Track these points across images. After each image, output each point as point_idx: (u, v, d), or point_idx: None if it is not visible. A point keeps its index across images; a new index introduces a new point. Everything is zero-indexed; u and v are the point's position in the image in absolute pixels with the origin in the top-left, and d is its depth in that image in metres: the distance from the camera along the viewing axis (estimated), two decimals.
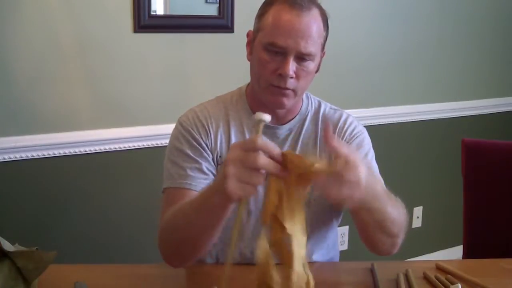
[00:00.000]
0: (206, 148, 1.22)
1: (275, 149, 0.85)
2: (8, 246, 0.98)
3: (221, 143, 1.23)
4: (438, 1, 2.52)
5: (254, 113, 1.25)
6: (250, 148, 0.84)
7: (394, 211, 1.07)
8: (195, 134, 1.22)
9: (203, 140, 1.22)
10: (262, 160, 0.84)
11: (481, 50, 2.72)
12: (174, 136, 1.25)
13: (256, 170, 0.84)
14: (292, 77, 1.14)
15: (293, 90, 1.17)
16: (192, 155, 1.20)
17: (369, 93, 2.44)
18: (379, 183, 1.09)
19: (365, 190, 0.88)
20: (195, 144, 1.22)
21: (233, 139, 1.24)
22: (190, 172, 1.18)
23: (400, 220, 1.10)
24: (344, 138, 1.27)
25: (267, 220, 0.87)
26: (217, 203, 0.93)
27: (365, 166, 0.87)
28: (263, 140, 0.84)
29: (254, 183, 0.85)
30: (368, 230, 1.10)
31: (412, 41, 2.50)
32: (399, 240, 1.13)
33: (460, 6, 2.59)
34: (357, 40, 2.35)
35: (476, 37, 2.68)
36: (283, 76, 1.14)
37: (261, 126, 0.88)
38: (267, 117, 0.88)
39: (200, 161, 1.20)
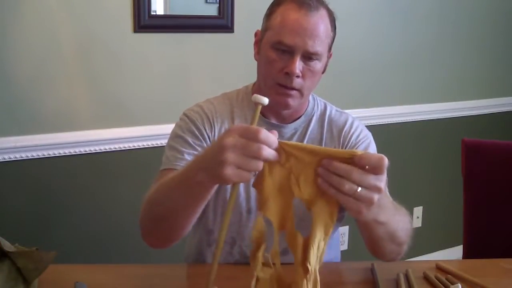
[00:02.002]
0: (208, 140, 1.22)
1: (275, 143, 0.84)
2: (8, 246, 0.98)
3: None
4: (438, 1, 2.52)
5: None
6: (252, 138, 0.82)
7: (402, 219, 1.08)
8: (199, 125, 1.23)
9: (206, 132, 1.23)
10: (265, 151, 0.82)
11: (481, 50, 2.72)
12: (178, 125, 1.26)
13: (256, 158, 0.82)
14: (298, 76, 1.15)
15: (299, 90, 1.17)
16: (192, 143, 1.21)
17: (369, 93, 2.44)
18: (387, 195, 1.09)
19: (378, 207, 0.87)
20: (197, 134, 1.22)
21: None
22: (187, 157, 1.18)
23: (407, 228, 1.11)
24: (350, 142, 1.27)
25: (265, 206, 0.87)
26: (202, 181, 0.89)
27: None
28: (266, 133, 0.82)
29: (253, 170, 0.83)
30: (378, 242, 1.08)
31: (412, 41, 2.50)
32: (405, 248, 1.14)
33: (460, 6, 2.59)
34: (357, 40, 2.35)
35: (476, 37, 2.68)
36: (289, 75, 1.14)
37: (259, 108, 0.88)
38: (265, 100, 0.87)
39: (200, 149, 1.20)
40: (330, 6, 1.20)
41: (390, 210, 1.00)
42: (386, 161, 0.82)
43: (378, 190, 0.82)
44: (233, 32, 2.02)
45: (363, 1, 2.33)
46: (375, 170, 0.81)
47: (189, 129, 1.22)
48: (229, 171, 0.81)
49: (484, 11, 2.66)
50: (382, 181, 0.83)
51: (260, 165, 0.83)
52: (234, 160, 0.81)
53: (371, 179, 0.81)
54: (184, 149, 1.19)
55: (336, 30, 1.21)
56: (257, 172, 0.85)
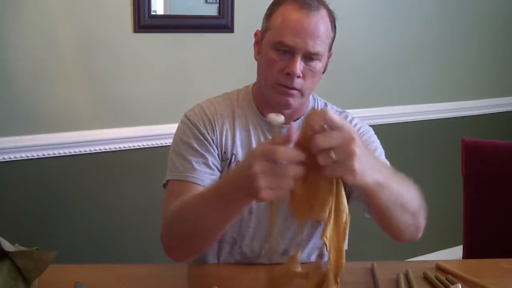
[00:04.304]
0: (212, 143, 1.22)
1: (298, 156, 0.85)
2: (8, 246, 0.98)
3: (226, 139, 1.24)
4: (438, 1, 2.52)
5: (260, 111, 1.26)
6: (277, 159, 0.84)
7: (410, 188, 1.07)
8: (201, 129, 1.23)
9: (209, 135, 1.23)
10: (293, 170, 0.84)
11: (481, 50, 2.72)
12: (181, 129, 1.25)
13: (286, 177, 0.85)
14: (299, 77, 1.15)
15: (300, 90, 1.17)
16: (198, 149, 1.21)
17: (369, 93, 2.44)
18: (386, 164, 1.09)
19: (368, 163, 0.87)
20: (202, 138, 1.22)
21: (238, 136, 1.24)
22: (196, 166, 1.18)
23: (417, 196, 1.10)
24: None
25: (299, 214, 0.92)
26: (240, 199, 0.93)
27: (359, 138, 0.86)
28: (288, 151, 0.84)
29: (286, 187, 0.86)
30: (389, 211, 1.04)
31: (412, 41, 2.50)
32: (422, 220, 1.12)
33: (460, 6, 2.59)
34: (357, 40, 2.35)
35: (476, 37, 2.68)
36: (290, 75, 1.14)
37: (277, 127, 0.90)
38: (281, 118, 0.89)
39: (207, 155, 1.20)
40: (331, 6, 1.20)
41: (388, 172, 1.00)
42: (323, 112, 0.83)
43: (348, 139, 0.83)
44: (233, 32, 2.02)
45: (364, 1, 2.33)
46: (328, 125, 0.83)
47: (193, 134, 1.22)
48: (265, 194, 0.85)
49: (484, 11, 2.66)
50: (343, 129, 0.83)
51: (292, 181, 0.85)
52: (267, 184, 0.84)
53: (333, 134, 0.82)
54: (192, 158, 1.19)
55: (336, 30, 1.21)
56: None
